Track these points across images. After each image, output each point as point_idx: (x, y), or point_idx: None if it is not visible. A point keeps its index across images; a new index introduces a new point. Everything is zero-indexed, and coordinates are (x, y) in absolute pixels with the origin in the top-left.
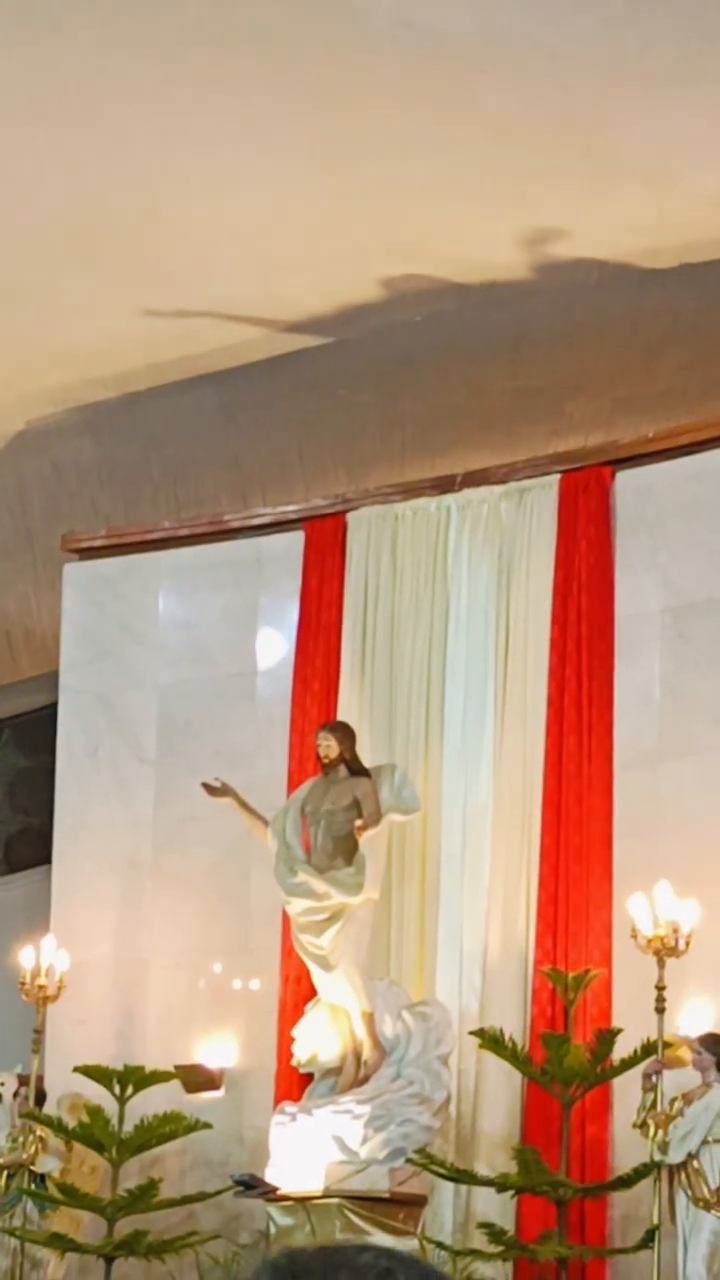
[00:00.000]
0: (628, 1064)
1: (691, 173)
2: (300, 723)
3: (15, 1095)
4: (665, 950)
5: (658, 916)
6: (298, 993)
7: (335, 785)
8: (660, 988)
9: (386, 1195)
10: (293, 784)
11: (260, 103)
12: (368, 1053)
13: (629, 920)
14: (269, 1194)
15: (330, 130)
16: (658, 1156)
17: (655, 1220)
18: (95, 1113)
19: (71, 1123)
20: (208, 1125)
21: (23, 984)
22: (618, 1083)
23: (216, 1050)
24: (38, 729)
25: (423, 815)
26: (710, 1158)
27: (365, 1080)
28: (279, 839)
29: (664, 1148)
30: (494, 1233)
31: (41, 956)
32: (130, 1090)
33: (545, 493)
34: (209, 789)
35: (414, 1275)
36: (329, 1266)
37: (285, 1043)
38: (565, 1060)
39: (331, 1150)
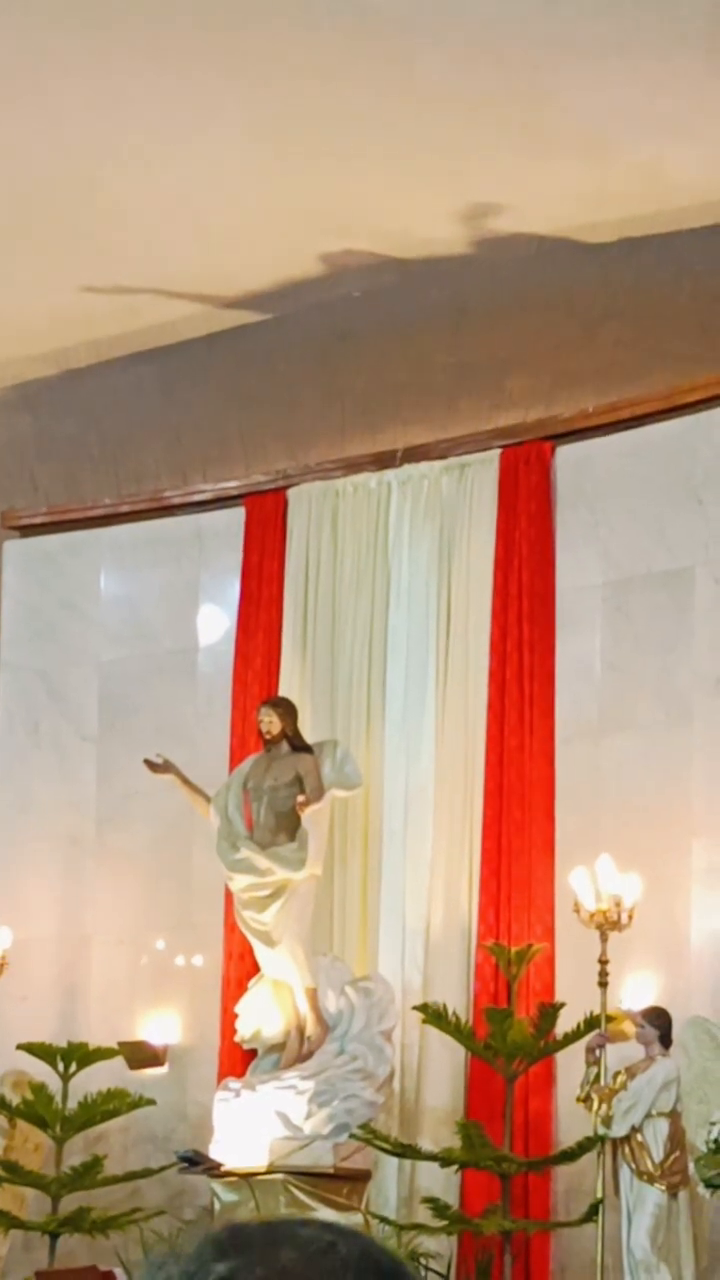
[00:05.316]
0: (571, 1038)
1: (629, 146)
2: (242, 699)
3: None
4: (608, 924)
5: (600, 890)
6: (241, 969)
7: (277, 761)
8: (603, 962)
9: (330, 1171)
10: (234, 760)
11: (197, 77)
12: (311, 1028)
13: (571, 894)
14: (213, 1170)
15: (268, 104)
16: (601, 1130)
17: (599, 1194)
18: (39, 1090)
19: (15, 1100)
20: (151, 1102)
21: None
22: (561, 1057)
23: (160, 1026)
24: None
25: (365, 790)
26: (653, 1131)
27: (309, 1056)
28: (221, 815)
29: (607, 1121)
30: (438, 1207)
31: None
32: (74, 1067)
33: (486, 468)
34: (151, 765)
35: (355, 1248)
36: (271, 1240)
37: (228, 1019)
38: (508, 1035)
39: (275, 1126)
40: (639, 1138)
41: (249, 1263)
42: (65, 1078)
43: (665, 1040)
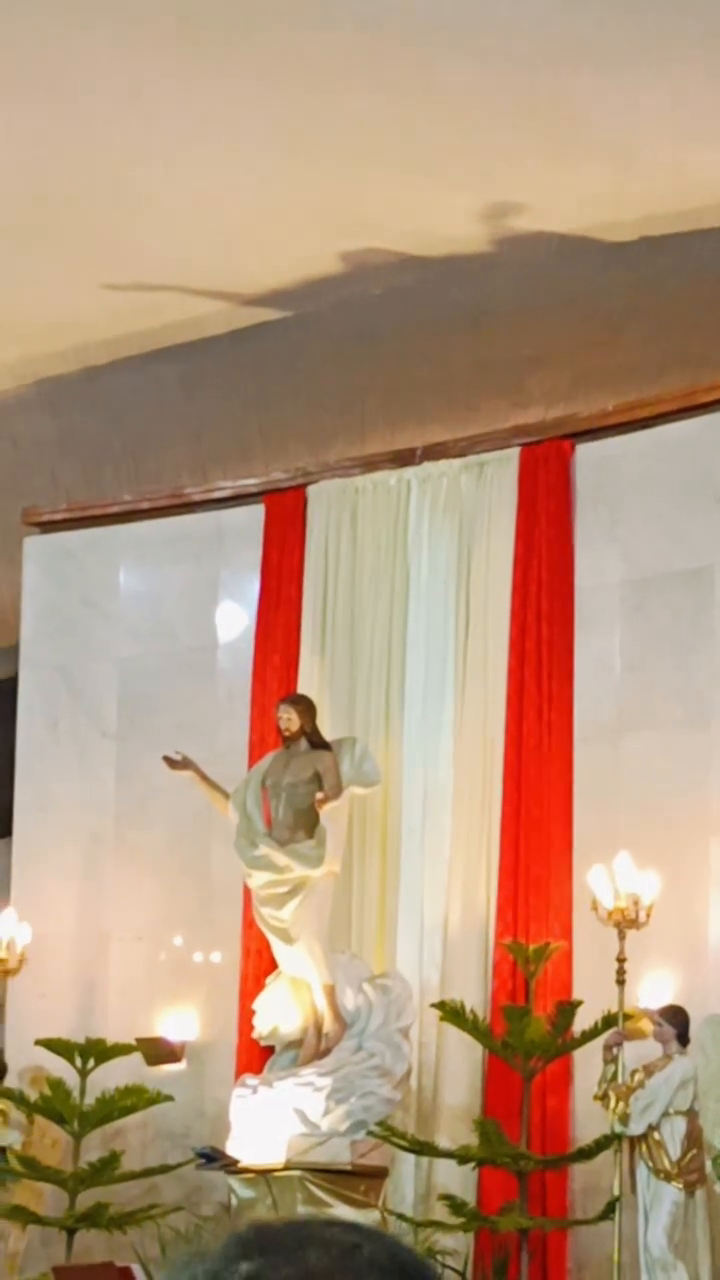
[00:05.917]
0: (588, 1036)
1: (650, 147)
2: (261, 696)
3: None
4: (626, 922)
5: (618, 889)
6: (259, 965)
7: (296, 758)
8: (621, 960)
9: (348, 1168)
10: (253, 757)
11: (220, 77)
12: (329, 1025)
13: (589, 892)
14: (230, 1166)
15: (291, 105)
16: (618, 1128)
17: (616, 1192)
18: (57, 1086)
19: (33, 1096)
20: (169, 1098)
21: None
22: (578, 1055)
23: (178, 1023)
24: None
25: (383, 788)
26: (671, 1129)
27: (326, 1053)
28: (240, 812)
29: (625, 1119)
30: (455, 1205)
31: (2, 930)
32: (92, 1063)
33: (505, 466)
34: (170, 762)
35: (381, 1249)
36: (296, 1241)
37: (246, 1015)
38: (526, 1032)
39: (293, 1123)
40: (656, 1136)
41: (275, 1263)
42: (83, 1074)
43: (683, 1038)
